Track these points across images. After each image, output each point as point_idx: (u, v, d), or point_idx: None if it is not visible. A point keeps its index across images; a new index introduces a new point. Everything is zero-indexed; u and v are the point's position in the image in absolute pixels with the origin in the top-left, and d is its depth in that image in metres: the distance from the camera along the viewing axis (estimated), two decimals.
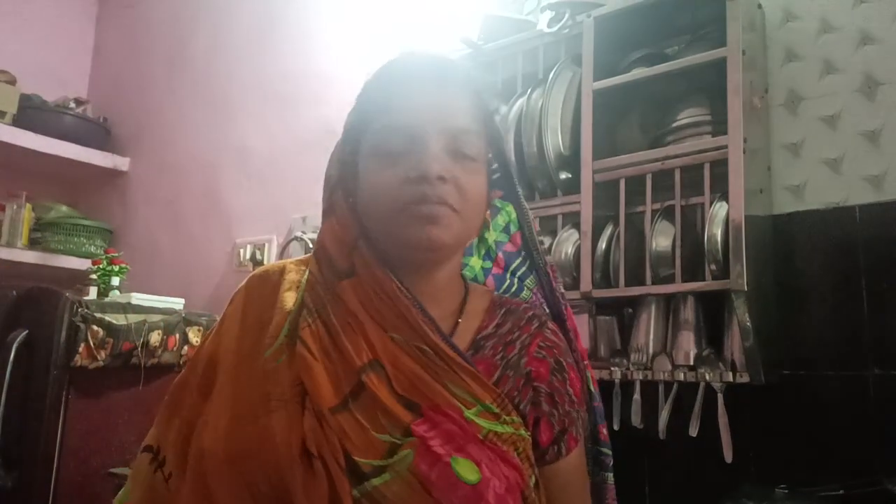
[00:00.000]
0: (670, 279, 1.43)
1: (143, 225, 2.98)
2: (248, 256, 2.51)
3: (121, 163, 3.09)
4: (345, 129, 0.86)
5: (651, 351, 1.50)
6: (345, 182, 0.83)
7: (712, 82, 1.43)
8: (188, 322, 2.12)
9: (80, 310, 1.86)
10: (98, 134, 3.07)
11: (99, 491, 1.88)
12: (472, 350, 0.82)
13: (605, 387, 1.50)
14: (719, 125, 1.43)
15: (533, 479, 0.77)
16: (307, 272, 0.85)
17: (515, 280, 0.96)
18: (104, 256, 2.41)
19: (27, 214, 2.83)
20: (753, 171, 1.40)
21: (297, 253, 2.19)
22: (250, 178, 2.63)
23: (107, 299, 2.18)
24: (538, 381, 0.82)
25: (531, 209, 1.61)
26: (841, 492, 1.28)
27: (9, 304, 1.93)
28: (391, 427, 0.72)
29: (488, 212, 0.91)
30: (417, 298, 0.79)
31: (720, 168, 1.38)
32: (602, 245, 1.52)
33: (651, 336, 1.51)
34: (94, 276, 2.36)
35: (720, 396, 1.39)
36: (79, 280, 2.57)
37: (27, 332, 1.86)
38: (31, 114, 2.83)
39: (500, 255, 0.96)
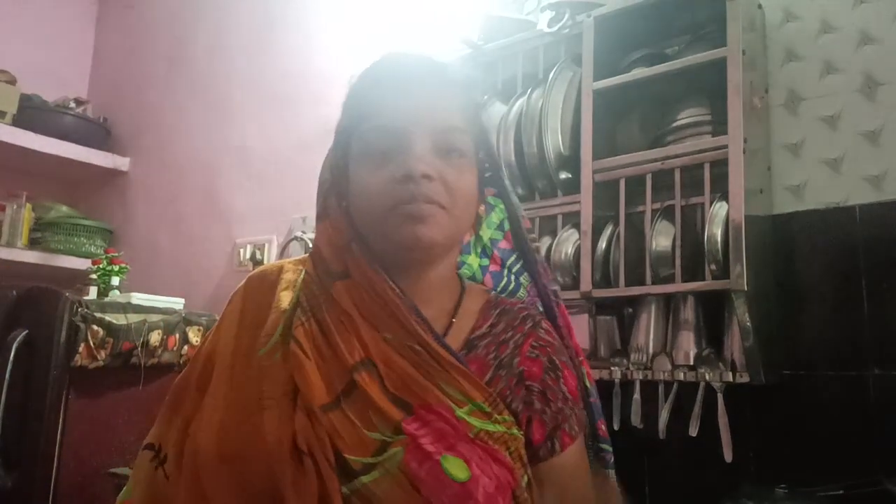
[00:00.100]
0: (670, 279, 1.43)
1: (143, 225, 2.98)
2: (248, 256, 2.51)
3: (121, 163, 3.09)
4: (335, 133, 0.86)
5: (651, 351, 1.50)
6: (337, 186, 0.84)
7: (712, 82, 1.43)
8: (188, 322, 2.12)
9: (80, 310, 1.86)
10: (98, 134, 3.08)
11: (99, 491, 1.88)
12: (465, 349, 0.82)
13: (605, 387, 1.50)
14: (719, 125, 1.43)
15: (525, 478, 0.77)
16: (303, 272, 0.86)
17: (512, 277, 0.96)
18: (104, 256, 2.41)
19: (27, 214, 2.83)
20: (753, 171, 1.40)
21: (296, 253, 2.19)
22: (250, 178, 2.63)
23: (107, 299, 2.18)
24: (531, 380, 0.82)
25: (531, 209, 1.65)
26: (841, 492, 1.28)
27: (9, 304, 1.93)
28: (382, 425, 0.72)
29: (483, 207, 0.91)
30: (410, 299, 0.79)
31: (720, 168, 1.38)
32: (602, 245, 1.52)
33: (651, 336, 1.51)
34: (94, 276, 2.36)
35: (720, 396, 1.39)
36: (79, 280, 2.57)
37: (27, 332, 1.86)
38: (31, 114, 2.83)
39: (496, 252, 0.96)
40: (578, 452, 0.85)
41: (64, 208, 2.98)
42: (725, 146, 1.37)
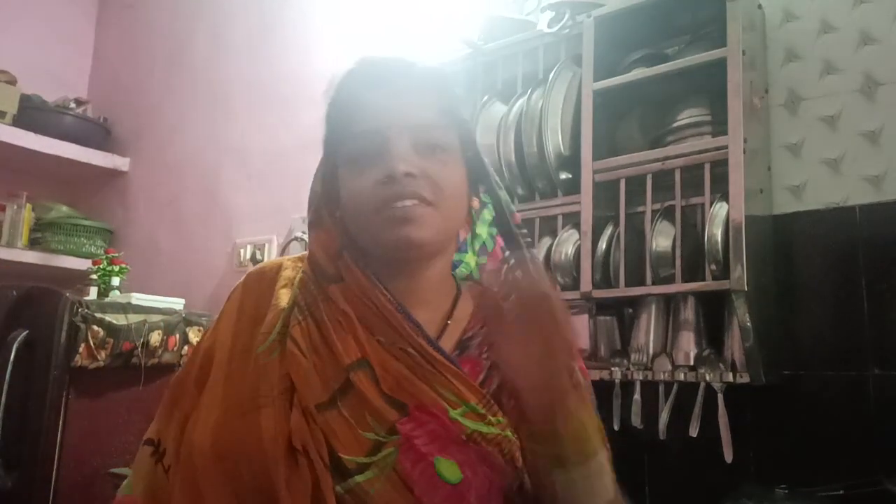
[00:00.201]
0: (670, 279, 1.43)
1: (143, 225, 2.98)
2: (248, 256, 2.51)
3: (121, 163, 3.09)
4: (323, 145, 0.87)
5: (651, 351, 1.50)
6: (328, 196, 0.84)
7: (712, 82, 1.43)
8: (188, 322, 2.12)
9: (80, 310, 1.86)
10: (98, 134, 3.08)
11: (99, 491, 1.88)
12: (457, 350, 0.82)
13: (606, 387, 1.50)
14: (719, 125, 1.43)
15: (517, 481, 0.77)
16: (302, 270, 0.86)
17: None
18: (104, 256, 2.42)
19: (27, 214, 2.84)
20: (753, 171, 1.40)
21: (296, 253, 2.18)
22: (250, 178, 2.63)
23: (107, 299, 2.18)
24: None
25: (531, 209, 1.65)
26: (841, 492, 1.28)
27: (9, 304, 1.94)
28: (377, 425, 0.73)
29: (476, 202, 0.90)
30: (403, 303, 0.79)
31: (720, 168, 1.38)
32: (602, 245, 1.52)
33: (651, 336, 1.51)
34: (94, 276, 2.36)
35: (720, 396, 1.39)
36: (79, 280, 2.57)
37: (27, 332, 1.86)
38: (32, 114, 2.83)
39: (498, 249, 0.95)
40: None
41: (64, 208, 2.98)
42: (725, 146, 1.37)
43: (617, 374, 1.51)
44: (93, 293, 2.35)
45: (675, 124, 1.52)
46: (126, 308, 1.98)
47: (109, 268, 2.35)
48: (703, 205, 1.43)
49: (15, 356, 1.83)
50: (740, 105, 1.35)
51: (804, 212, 1.47)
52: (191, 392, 0.83)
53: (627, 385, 1.51)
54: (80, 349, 1.84)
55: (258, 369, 0.78)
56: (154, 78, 3.11)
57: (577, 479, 0.74)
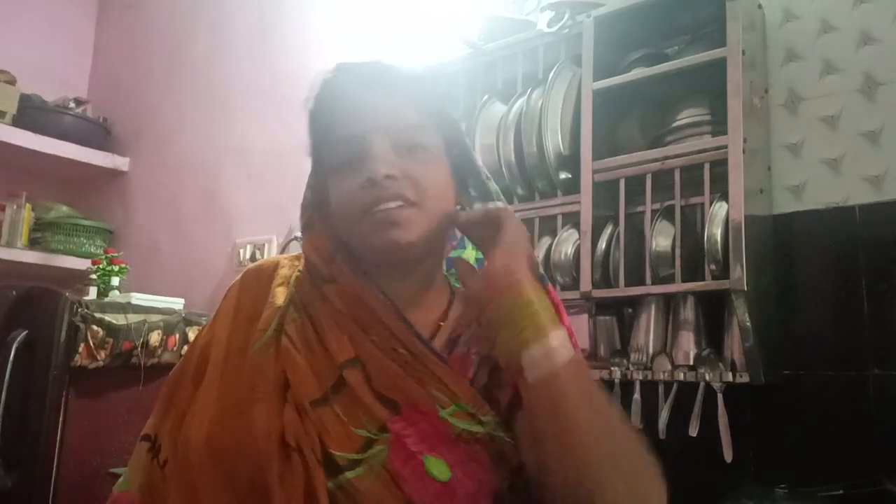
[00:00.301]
0: (670, 279, 1.43)
1: (143, 225, 2.98)
2: (248, 256, 2.51)
3: (121, 163, 3.09)
4: (310, 154, 0.87)
5: (651, 351, 1.50)
6: (318, 203, 0.85)
7: (712, 82, 1.43)
8: (188, 322, 2.12)
9: (80, 310, 1.86)
10: (98, 134, 3.07)
11: (99, 491, 1.88)
12: (448, 349, 0.82)
13: (605, 387, 1.50)
14: (719, 125, 1.43)
15: (507, 481, 0.77)
16: (298, 269, 0.88)
17: None
18: (104, 256, 2.42)
19: (27, 214, 2.84)
20: (753, 171, 1.40)
21: (296, 252, 2.19)
22: (250, 178, 2.62)
23: (107, 299, 2.18)
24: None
25: (531, 209, 1.65)
26: (841, 492, 1.28)
27: (9, 304, 1.94)
28: (369, 423, 0.73)
29: (467, 199, 0.90)
30: (396, 304, 0.80)
31: (720, 168, 1.38)
32: (602, 245, 1.52)
33: (651, 336, 1.51)
34: (94, 276, 2.36)
35: (720, 396, 1.39)
36: (79, 280, 2.56)
37: (27, 332, 1.86)
38: (31, 114, 2.83)
39: None
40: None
41: (64, 208, 2.98)
42: (725, 146, 1.37)
43: (616, 373, 1.51)
44: (92, 293, 2.35)
45: (675, 124, 1.52)
46: (126, 308, 1.98)
47: (109, 268, 2.35)
48: (702, 205, 1.43)
49: (15, 356, 1.83)
50: (740, 105, 1.35)
51: (804, 212, 1.47)
52: (187, 388, 0.84)
53: (627, 385, 1.51)
54: (80, 349, 1.84)
55: (254, 365, 0.79)
56: (154, 78, 3.11)
57: (540, 358, 0.69)
